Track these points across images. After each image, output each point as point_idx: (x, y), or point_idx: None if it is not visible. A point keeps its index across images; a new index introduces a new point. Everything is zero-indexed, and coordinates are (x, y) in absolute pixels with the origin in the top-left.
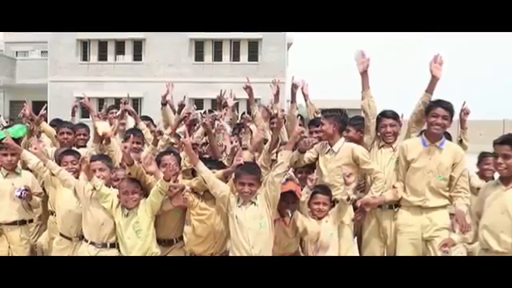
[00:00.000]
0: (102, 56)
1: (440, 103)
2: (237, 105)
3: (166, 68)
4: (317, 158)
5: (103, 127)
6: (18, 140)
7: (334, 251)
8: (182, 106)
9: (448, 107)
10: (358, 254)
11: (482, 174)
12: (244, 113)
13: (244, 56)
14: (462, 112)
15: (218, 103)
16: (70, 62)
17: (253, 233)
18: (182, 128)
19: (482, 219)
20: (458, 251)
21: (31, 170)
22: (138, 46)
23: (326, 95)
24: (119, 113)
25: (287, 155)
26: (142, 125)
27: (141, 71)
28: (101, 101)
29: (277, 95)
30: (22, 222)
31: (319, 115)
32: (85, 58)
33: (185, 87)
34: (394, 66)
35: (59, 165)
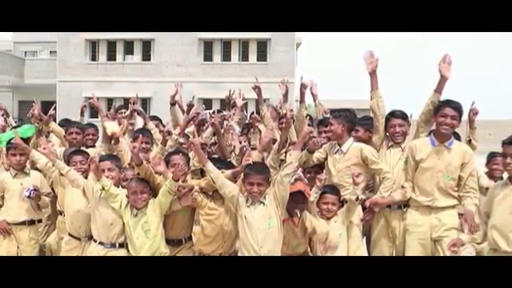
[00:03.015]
0: (111, 56)
1: (449, 103)
2: (245, 105)
3: (175, 68)
4: (326, 158)
5: (112, 127)
6: (26, 140)
7: (342, 251)
8: (190, 105)
9: (457, 107)
10: (366, 254)
11: (490, 174)
12: (253, 113)
13: (253, 56)
14: (471, 112)
15: (226, 103)
16: (79, 61)
17: (261, 233)
18: (191, 128)
19: (490, 219)
20: (467, 251)
21: (40, 170)
22: (146, 46)
23: (335, 95)
24: (128, 113)
25: (296, 155)
26: (151, 125)
27: (150, 71)
28: (110, 101)
29: (286, 95)
30: (31, 222)
31: (328, 115)
32: (94, 57)
33: (193, 87)
34: (402, 65)
35: (68, 165)
